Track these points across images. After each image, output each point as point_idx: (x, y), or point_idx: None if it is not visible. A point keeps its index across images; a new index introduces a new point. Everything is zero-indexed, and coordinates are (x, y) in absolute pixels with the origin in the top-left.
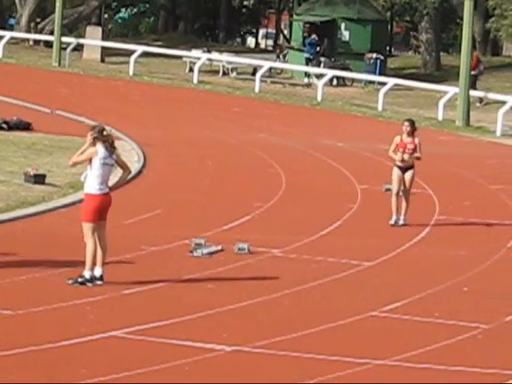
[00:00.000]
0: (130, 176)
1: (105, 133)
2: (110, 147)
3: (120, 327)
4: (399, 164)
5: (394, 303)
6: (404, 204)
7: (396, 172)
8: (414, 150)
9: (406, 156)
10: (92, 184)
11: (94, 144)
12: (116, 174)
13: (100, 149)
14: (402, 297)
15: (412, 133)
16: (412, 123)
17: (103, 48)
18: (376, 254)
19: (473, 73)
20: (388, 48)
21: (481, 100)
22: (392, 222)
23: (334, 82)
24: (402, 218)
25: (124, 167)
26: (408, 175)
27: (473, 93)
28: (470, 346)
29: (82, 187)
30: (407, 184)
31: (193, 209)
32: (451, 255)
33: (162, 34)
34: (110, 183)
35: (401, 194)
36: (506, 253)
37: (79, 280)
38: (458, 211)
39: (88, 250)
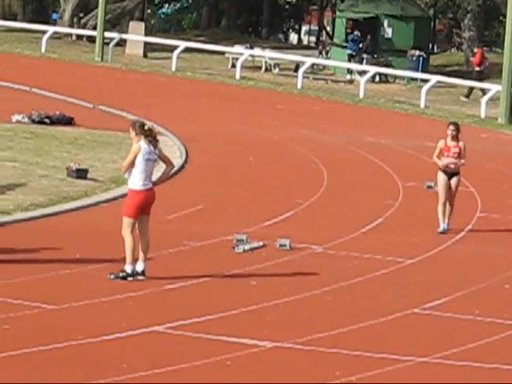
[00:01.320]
0: (172, 171)
1: (146, 127)
2: (153, 141)
3: (162, 322)
4: (444, 169)
5: (436, 300)
6: (448, 208)
7: (442, 179)
8: (459, 153)
9: (450, 160)
10: (136, 180)
11: (136, 140)
12: (158, 170)
13: (143, 144)
14: (443, 294)
15: (457, 136)
16: (457, 127)
17: (146, 43)
18: (418, 252)
19: (478, 69)
20: (431, 45)
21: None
22: (440, 230)
23: (377, 78)
24: (446, 221)
25: (167, 162)
26: (454, 181)
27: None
28: (510, 344)
29: (124, 182)
30: (453, 190)
31: (235, 204)
32: (493, 253)
33: (205, 29)
34: (154, 178)
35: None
36: None
37: (121, 275)
38: (501, 209)
39: (127, 245)
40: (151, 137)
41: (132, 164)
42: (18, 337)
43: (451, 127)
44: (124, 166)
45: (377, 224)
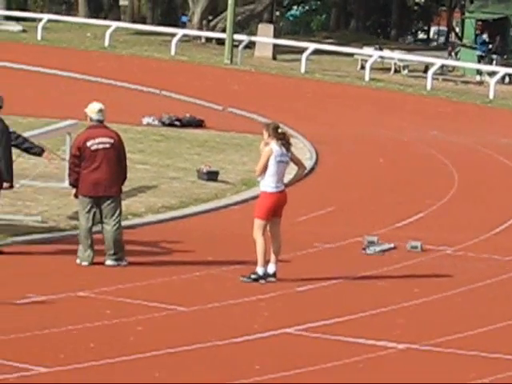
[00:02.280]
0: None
1: (279, 130)
2: (286, 144)
3: (293, 324)
4: None
5: None
6: None
7: None
8: None
9: None
10: (268, 182)
11: (268, 143)
12: (289, 172)
13: (275, 147)
14: None
15: None
16: None
17: (275, 45)
18: None
19: None
20: None
21: None
22: None
23: (507, 79)
24: None
25: (299, 164)
26: None
27: None
28: None
29: (255, 184)
30: None
31: (365, 206)
32: None
33: (334, 31)
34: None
35: None
36: None
37: (252, 277)
38: None
39: (258, 247)
40: (284, 140)
41: (265, 167)
42: (150, 338)
43: None
44: (258, 170)
45: (509, 225)
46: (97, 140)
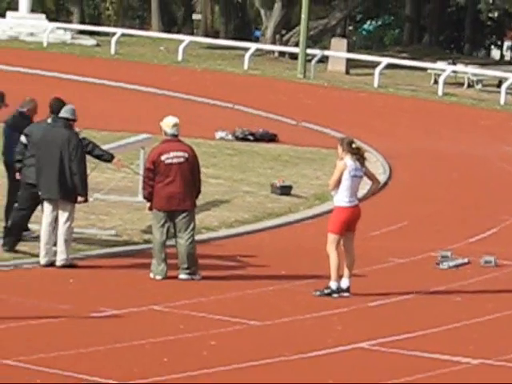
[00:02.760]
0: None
1: (354, 145)
2: (361, 159)
3: (366, 339)
4: None
5: None
6: None
7: None
8: None
9: None
10: (342, 196)
11: (342, 157)
12: (362, 187)
13: (349, 161)
14: None
15: None
16: None
17: (348, 60)
18: None
19: None
20: None
21: None
22: None
23: None
24: None
25: (373, 179)
26: None
27: None
28: None
29: (328, 198)
30: None
31: (438, 221)
32: None
33: (407, 45)
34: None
35: None
36: None
37: (325, 291)
38: None
39: (332, 262)
40: (358, 154)
41: (339, 181)
42: (223, 353)
43: None
44: (331, 184)
45: None
46: (171, 154)
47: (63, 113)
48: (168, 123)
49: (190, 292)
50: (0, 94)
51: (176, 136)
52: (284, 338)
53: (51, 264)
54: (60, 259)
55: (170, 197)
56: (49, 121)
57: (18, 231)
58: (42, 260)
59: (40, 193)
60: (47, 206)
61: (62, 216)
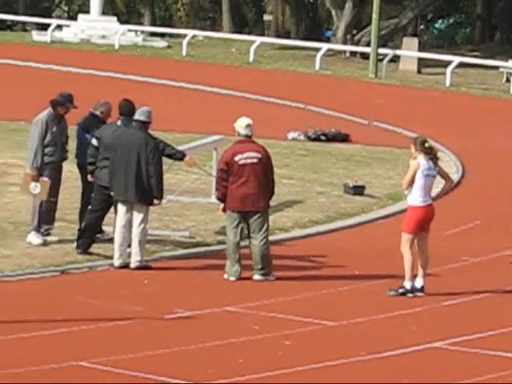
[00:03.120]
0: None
1: (426, 144)
2: (434, 158)
3: (442, 338)
4: None
5: None
6: None
7: None
8: None
9: None
10: (415, 196)
11: (415, 157)
12: (436, 185)
13: (422, 161)
14: None
15: None
16: None
17: (419, 59)
18: None
19: None
20: None
21: None
22: None
23: None
24: None
25: (446, 178)
26: None
27: None
28: None
29: (401, 198)
30: None
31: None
32: None
33: (479, 44)
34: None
35: None
36: None
37: (400, 291)
38: None
39: (406, 261)
40: (431, 154)
41: (412, 181)
42: (298, 353)
43: None
44: (404, 183)
45: None
46: (244, 155)
47: (139, 115)
48: (241, 124)
49: (263, 293)
50: (68, 95)
51: (249, 137)
52: (359, 338)
53: (125, 266)
54: (134, 261)
55: (244, 198)
56: (119, 123)
57: (91, 233)
58: (116, 262)
59: (114, 195)
60: (121, 208)
61: (137, 218)
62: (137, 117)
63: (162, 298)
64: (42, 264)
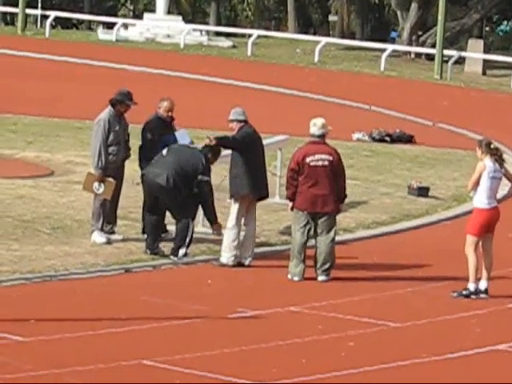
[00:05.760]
0: None
1: (492, 146)
2: (499, 160)
3: (505, 341)
4: None
5: None
6: None
7: None
8: None
9: None
10: (480, 198)
11: (481, 159)
12: (502, 188)
13: (488, 163)
14: None
15: None
16: None
17: (485, 61)
18: None
19: None
20: None
21: None
22: None
23: None
24: None
25: None
26: None
27: None
28: None
29: (466, 200)
30: None
31: None
32: None
33: None
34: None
35: None
36: None
37: (464, 293)
38: None
39: (470, 263)
40: (497, 156)
41: (477, 182)
42: (362, 354)
43: None
44: (470, 185)
45: None
46: (316, 156)
47: (239, 115)
48: (316, 123)
49: (328, 293)
50: (127, 92)
51: (323, 137)
52: (423, 339)
53: (238, 264)
54: (249, 257)
55: (314, 199)
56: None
57: (156, 232)
58: (228, 260)
59: (249, 193)
60: (242, 207)
61: (252, 215)
62: (241, 117)
63: (225, 297)
64: (106, 262)
